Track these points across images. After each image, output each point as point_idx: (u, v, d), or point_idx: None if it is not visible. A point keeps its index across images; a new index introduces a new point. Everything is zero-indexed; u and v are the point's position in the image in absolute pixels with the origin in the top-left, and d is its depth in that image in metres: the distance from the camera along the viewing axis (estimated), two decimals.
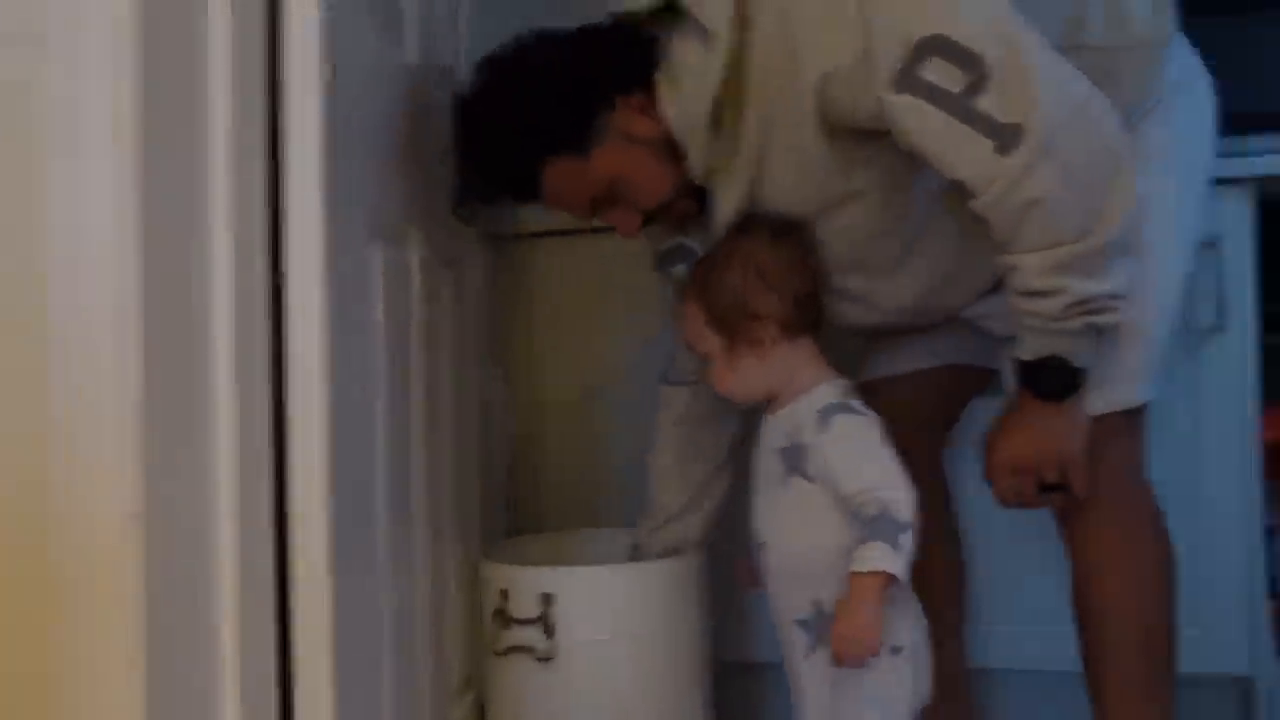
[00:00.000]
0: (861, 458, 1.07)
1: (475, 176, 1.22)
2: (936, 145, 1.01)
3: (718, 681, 1.42)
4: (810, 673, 1.13)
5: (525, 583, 1.30)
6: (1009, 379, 1.16)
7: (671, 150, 1.13)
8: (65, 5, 0.72)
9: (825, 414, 1.09)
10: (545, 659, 1.27)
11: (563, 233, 1.72)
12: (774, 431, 1.15)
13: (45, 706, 0.73)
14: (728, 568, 1.58)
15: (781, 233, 1.13)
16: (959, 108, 0.98)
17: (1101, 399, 1.13)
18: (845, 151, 1.07)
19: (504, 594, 1.31)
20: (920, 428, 1.35)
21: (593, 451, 1.71)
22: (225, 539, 0.83)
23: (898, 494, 1.04)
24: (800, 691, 1.16)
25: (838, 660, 1.03)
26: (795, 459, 1.11)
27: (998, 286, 1.19)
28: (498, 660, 1.32)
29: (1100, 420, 1.14)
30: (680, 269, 1.29)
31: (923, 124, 1.00)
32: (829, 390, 1.12)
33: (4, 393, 0.74)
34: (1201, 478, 1.47)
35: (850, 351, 1.35)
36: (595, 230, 1.69)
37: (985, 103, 0.97)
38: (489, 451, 1.58)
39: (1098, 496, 1.15)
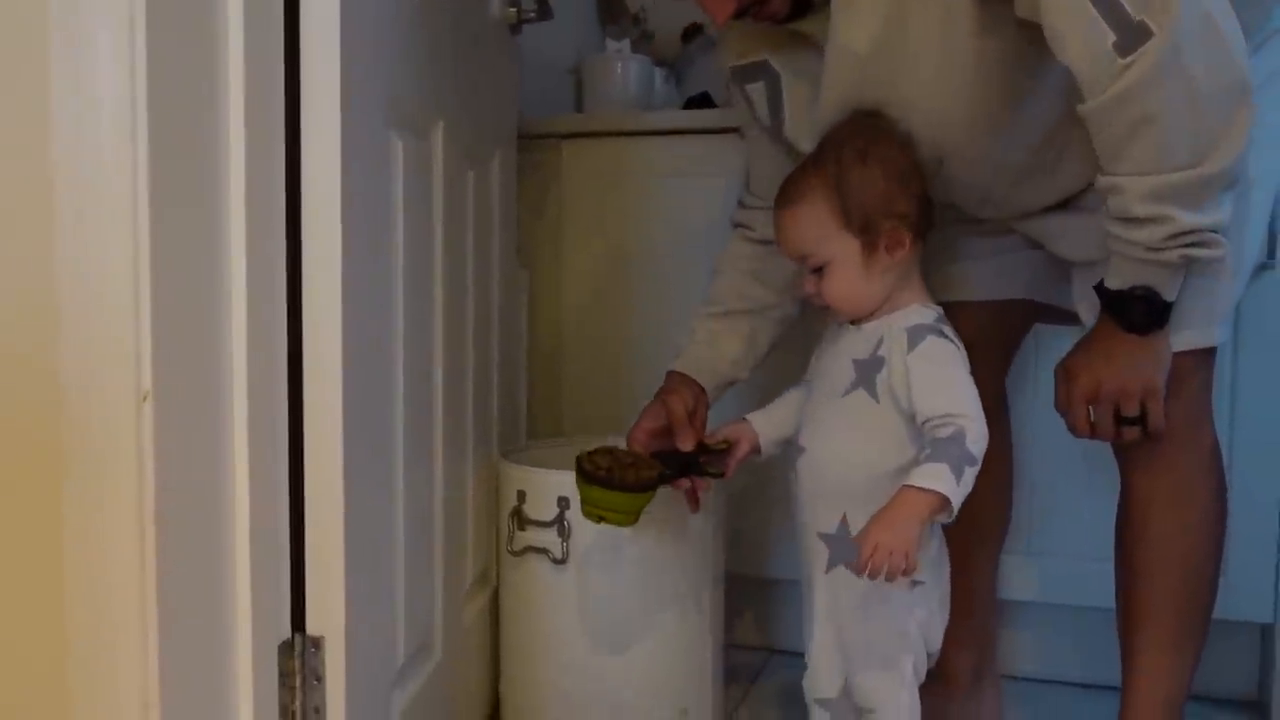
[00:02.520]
0: (947, 382, 1.04)
1: None
2: (1059, 19, 0.95)
3: (729, 595, 1.43)
4: (826, 588, 1.12)
5: (543, 485, 1.31)
6: (1086, 310, 1.13)
7: None
8: None
9: (915, 333, 1.06)
10: (559, 561, 1.28)
11: (591, 135, 1.69)
12: (855, 341, 1.11)
13: (58, 574, 0.75)
14: (744, 483, 1.58)
15: (906, 137, 1.10)
16: None
17: (1179, 338, 1.09)
18: (981, 7, 1.00)
19: (521, 495, 1.32)
20: (988, 357, 1.30)
21: (615, 356, 1.70)
22: (238, 423, 0.83)
23: (976, 426, 1.01)
24: (812, 605, 1.15)
25: (862, 569, 0.98)
26: (869, 372, 1.08)
27: (1067, 204, 1.15)
28: (513, 559, 1.33)
29: (1174, 359, 1.09)
30: (758, 87, 1.22)
31: None
32: (923, 311, 1.09)
33: (11, 270, 0.74)
34: (1236, 420, 1.43)
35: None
36: (623, 134, 1.67)
37: None
38: (510, 351, 1.57)
39: (1162, 436, 1.11)
